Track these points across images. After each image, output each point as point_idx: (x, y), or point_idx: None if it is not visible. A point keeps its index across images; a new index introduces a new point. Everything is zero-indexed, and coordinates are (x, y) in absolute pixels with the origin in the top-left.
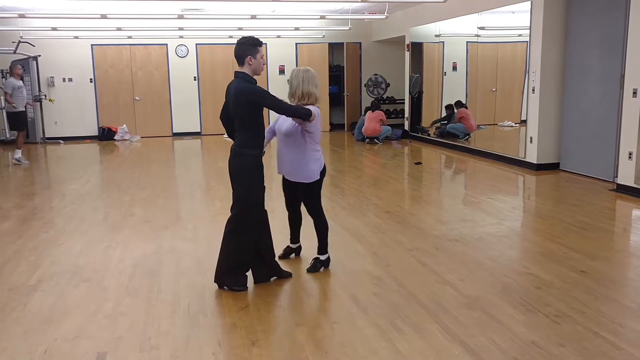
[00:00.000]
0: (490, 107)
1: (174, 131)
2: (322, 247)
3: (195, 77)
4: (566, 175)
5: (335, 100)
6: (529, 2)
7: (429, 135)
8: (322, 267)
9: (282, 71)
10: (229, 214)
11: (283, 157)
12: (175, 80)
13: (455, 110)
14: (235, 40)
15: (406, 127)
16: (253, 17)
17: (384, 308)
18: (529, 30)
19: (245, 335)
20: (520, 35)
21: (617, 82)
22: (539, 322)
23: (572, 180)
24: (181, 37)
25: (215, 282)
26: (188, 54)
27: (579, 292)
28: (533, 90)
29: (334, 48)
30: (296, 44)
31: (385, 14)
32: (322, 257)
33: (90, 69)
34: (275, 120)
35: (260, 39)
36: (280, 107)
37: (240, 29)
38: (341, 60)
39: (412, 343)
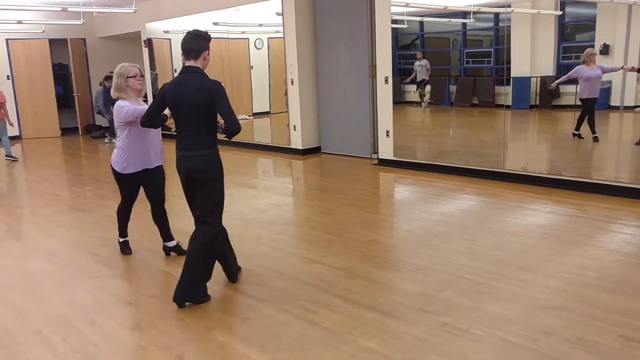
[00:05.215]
0: None
1: None
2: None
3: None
4: (329, 156)
5: (63, 101)
6: None
7: (173, 131)
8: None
9: None
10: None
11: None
12: None
13: None
14: None
15: None
16: None
17: (278, 294)
18: (282, 27)
19: (164, 351)
20: (243, 32)
21: (366, 71)
22: (410, 276)
23: (338, 160)
24: None
25: (175, 301)
26: None
27: (432, 245)
28: (292, 82)
29: (56, 45)
30: (7, 39)
31: (134, 7)
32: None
33: None
34: (134, 109)
35: None
36: (230, 112)
37: None
38: (65, 58)
39: (331, 318)
